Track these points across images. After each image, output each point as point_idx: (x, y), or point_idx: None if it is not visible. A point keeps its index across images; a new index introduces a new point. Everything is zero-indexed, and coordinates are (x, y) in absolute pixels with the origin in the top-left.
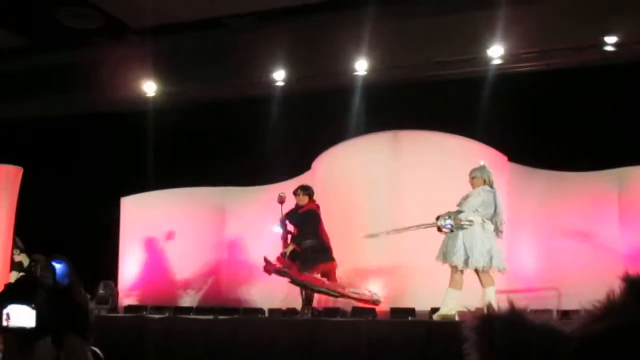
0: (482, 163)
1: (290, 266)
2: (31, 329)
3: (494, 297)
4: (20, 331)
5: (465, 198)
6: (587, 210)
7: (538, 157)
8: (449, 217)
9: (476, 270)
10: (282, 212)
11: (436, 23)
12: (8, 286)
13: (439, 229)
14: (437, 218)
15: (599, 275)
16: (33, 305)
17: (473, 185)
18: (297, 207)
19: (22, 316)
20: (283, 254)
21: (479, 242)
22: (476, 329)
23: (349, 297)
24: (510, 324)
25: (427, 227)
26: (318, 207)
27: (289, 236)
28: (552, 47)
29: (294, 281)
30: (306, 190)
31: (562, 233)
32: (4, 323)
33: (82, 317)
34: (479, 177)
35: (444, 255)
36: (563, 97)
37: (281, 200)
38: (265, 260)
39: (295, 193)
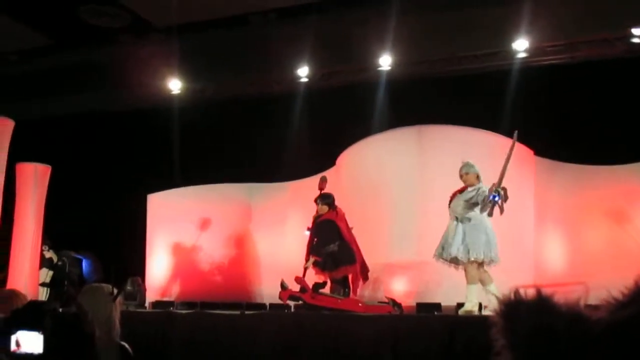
0: (467, 161)
1: (306, 289)
2: (39, 356)
3: (497, 292)
4: (28, 357)
5: (474, 191)
6: (614, 204)
7: (564, 151)
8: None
9: (477, 265)
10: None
11: (460, 17)
12: (15, 312)
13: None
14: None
15: (628, 269)
16: (41, 332)
17: (466, 182)
18: (317, 215)
19: (30, 342)
20: (305, 268)
21: (493, 236)
22: (503, 314)
23: (368, 311)
24: (537, 309)
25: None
26: (338, 214)
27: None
28: (577, 40)
29: (306, 305)
30: (325, 199)
31: (589, 227)
32: (13, 348)
33: (89, 346)
34: (472, 172)
35: (465, 249)
36: (589, 90)
37: (321, 187)
38: (281, 285)
39: (315, 201)
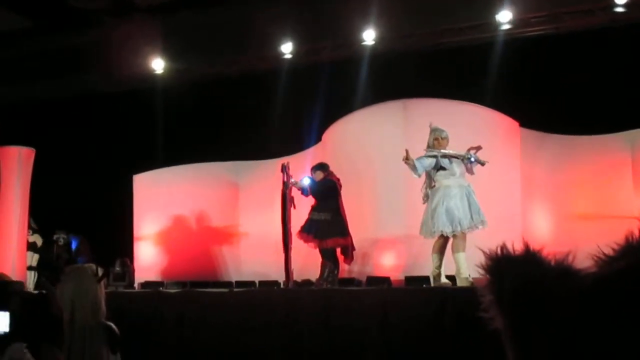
0: (434, 125)
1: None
2: (5, 334)
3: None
4: None
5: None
6: (600, 173)
7: (550, 122)
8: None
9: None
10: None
11: None
12: None
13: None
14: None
15: (613, 238)
16: (7, 311)
17: (442, 145)
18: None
19: None
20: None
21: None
22: (490, 270)
23: None
24: (524, 263)
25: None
26: (338, 180)
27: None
28: (561, 11)
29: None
30: (320, 167)
31: (575, 197)
32: None
33: (56, 327)
34: (447, 136)
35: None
36: (573, 61)
37: (285, 169)
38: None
39: (311, 172)
